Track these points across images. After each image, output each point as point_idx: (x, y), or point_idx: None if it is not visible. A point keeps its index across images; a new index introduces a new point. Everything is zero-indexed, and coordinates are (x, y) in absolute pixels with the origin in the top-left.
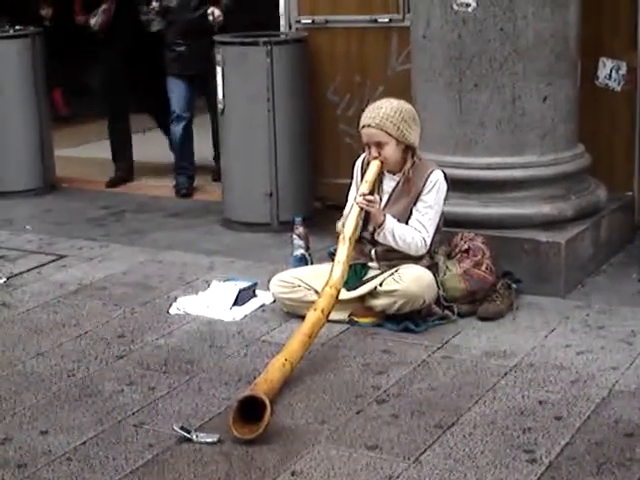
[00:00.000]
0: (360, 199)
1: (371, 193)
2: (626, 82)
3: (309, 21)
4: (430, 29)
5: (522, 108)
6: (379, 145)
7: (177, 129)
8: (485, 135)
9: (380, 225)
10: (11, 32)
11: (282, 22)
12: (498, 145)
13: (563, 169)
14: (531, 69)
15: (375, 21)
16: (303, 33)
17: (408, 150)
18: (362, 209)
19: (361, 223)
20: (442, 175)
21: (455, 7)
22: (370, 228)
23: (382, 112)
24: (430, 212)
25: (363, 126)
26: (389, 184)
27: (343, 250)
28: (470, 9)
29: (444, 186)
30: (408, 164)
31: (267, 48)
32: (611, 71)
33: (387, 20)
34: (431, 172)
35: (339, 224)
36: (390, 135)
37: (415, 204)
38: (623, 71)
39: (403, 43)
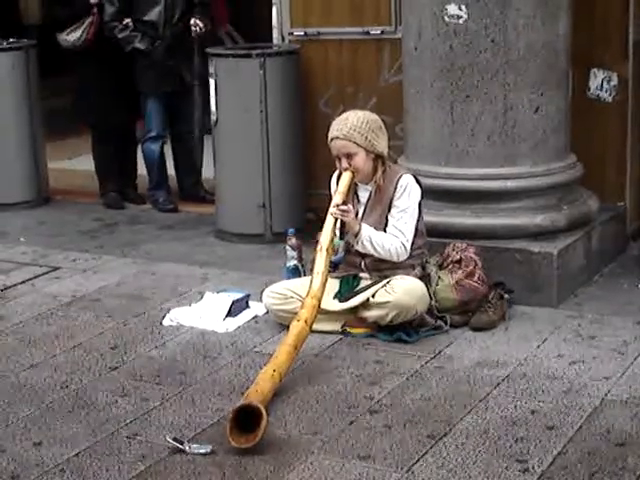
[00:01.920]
0: (334, 209)
1: (345, 203)
2: (617, 93)
3: (301, 33)
4: (422, 41)
5: (514, 119)
6: (349, 156)
7: (154, 147)
8: (477, 146)
9: (356, 234)
10: (5, 45)
11: (275, 34)
12: (490, 156)
13: (555, 179)
14: (522, 80)
15: (367, 33)
16: (296, 45)
17: (378, 159)
18: (337, 219)
19: (338, 234)
20: (412, 178)
21: (446, 19)
22: (349, 239)
23: (349, 123)
24: (405, 216)
25: (332, 139)
26: (364, 195)
27: (321, 261)
28: (461, 21)
29: (415, 189)
30: (379, 173)
31: (260, 60)
32: (602, 82)
33: (379, 32)
34: (400, 177)
35: (319, 235)
36: (359, 145)
37: (389, 211)
38: (614, 82)
39: (395, 55)
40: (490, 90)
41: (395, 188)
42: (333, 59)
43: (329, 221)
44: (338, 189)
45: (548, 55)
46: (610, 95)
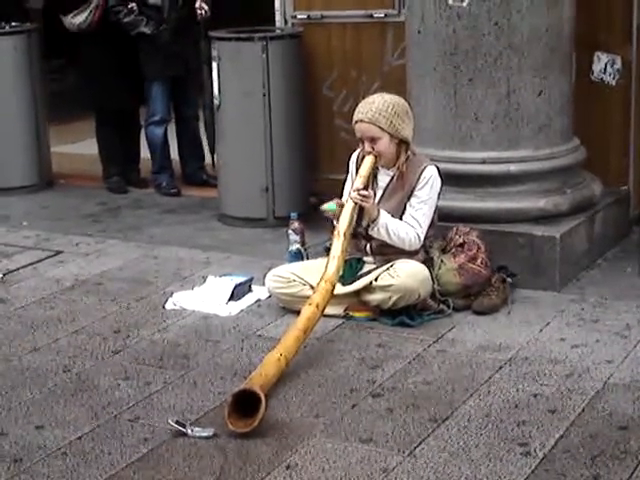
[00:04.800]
0: (354, 194)
1: (365, 188)
2: (621, 76)
3: (305, 16)
4: (425, 24)
5: (517, 102)
6: (373, 140)
7: (158, 131)
8: (480, 130)
9: (374, 220)
10: (7, 28)
11: (278, 17)
12: (493, 139)
13: (558, 163)
14: (526, 63)
15: (371, 16)
16: (299, 28)
17: (402, 145)
18: (356, 204)
19: (355, 218)
20: (436, 170)
21: (450, 2)
22: (364, 223)
23: (375, 107)
24: (424, 207)
25: (356, 121)
26: (383, 179)
27: (338, 245)
28: (465, 4)
29: (438, 181)
30: (402, 159)
31: (263, 43)
32: (606, 65)
33: (383, 15)
34: (425, 167)
35: (324, 205)
36: (383, 130)
37: (409, 199)
38: (618, 65)
39: (399, 38)
40: (493, 73)
41: (418, 178)
42: (336, 42)
43: (349, 205)
44: (360, 173)
45: (552, 38)
46: (614, 79)
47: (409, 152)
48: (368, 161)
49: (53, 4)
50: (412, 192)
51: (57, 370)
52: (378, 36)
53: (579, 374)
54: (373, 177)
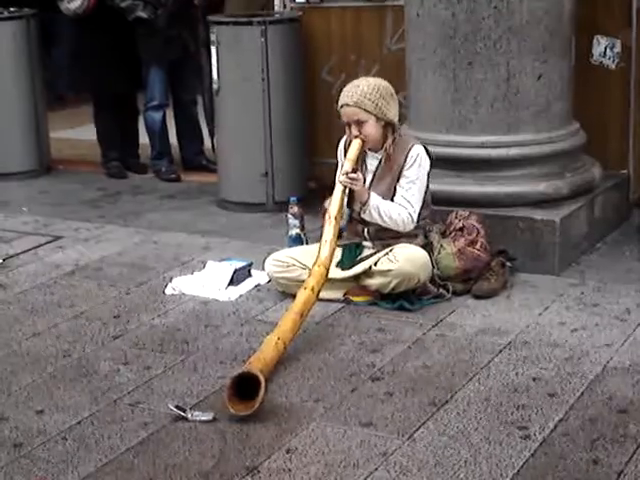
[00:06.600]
0: (343, 177)
1: (354, 171)
2: (620, 60)
3: (304, 0)
4: (424, 7)
5: (516, 86)
6: (359, 123)
7: (157, 116)
8: (479, 113)
9: (365, 203)
10: (6, 14)
11: (277, 2)
12: (493, 123)
13: (558, 147)
14: (525, 47)
15: (370, 0)
16: (298, 13)
17: (388, 127)
18: (346, 187)
19: (346, 201)
20: (423, 149)
21: None
22: (356, 207)
23: (359, 90)
24: (413, 187)
25: (342, 105)
26: (372, 163)
27: (329, 229)
28: None
29: (426, 160)
30: (389, 141)
31: (262, 28)
32: (605, 49)
33: None
34: (411, 147)
35: (326, 202)
36: (369, 112)
37: (398, 181)
38: (617, 49)
39: (398, 22)
40: (493, 57)
41: (406, 158)
42: (335, 27)
43: (338, 189)
44: (347, 156)
45: (551, 22)
46: (613, 62)
47: (396, 134)
48: (355, 144)
49: None
50: (400, 173)
51: (57, 355)
52: (377, 20)
53: (578, 358)
54: (362, 161)
